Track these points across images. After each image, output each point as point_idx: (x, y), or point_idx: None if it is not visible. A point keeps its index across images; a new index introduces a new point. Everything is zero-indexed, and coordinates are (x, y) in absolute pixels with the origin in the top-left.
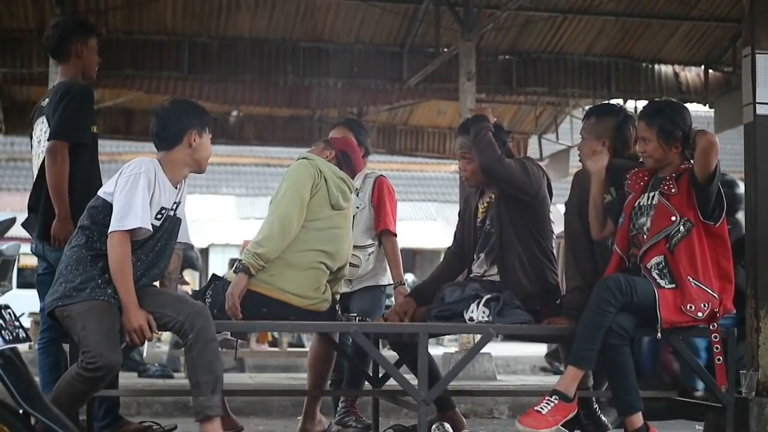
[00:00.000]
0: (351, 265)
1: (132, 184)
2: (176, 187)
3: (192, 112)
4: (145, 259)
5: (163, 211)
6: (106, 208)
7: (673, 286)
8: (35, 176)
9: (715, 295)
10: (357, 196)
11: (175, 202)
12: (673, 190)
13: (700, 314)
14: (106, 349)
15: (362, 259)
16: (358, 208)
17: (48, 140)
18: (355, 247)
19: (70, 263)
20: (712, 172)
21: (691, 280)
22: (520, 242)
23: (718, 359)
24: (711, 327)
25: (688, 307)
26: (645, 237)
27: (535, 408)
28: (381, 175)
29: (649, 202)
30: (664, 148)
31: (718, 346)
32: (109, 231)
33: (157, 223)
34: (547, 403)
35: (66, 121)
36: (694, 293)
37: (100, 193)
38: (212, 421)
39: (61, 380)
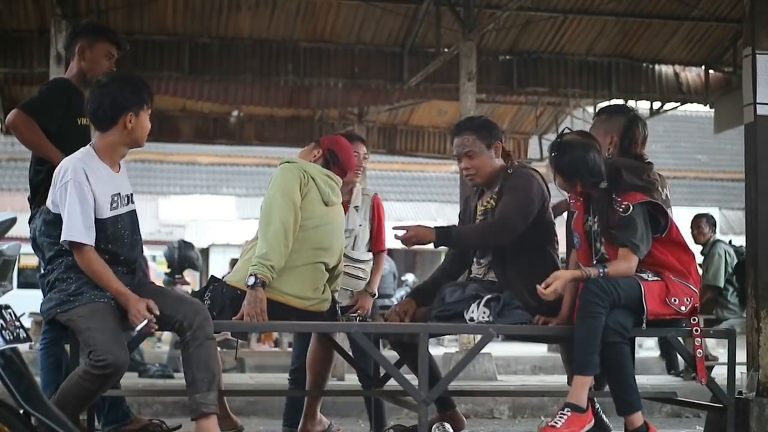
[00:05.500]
0: (358, 278)
1: (64, 197)
2: (118, 171)
3: (129, 89)
4: (123, 263)
5: (116, 198)
6: (58, 219)
7: (658, 278)
8: None
9: (695, 290)
10: (356, 211)
11: (128, 194)
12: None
13: (683, 308)
14: (113, 347)
15: (366, 271)
16: (360, 225)
17: None
18: (359, 261)
19: (60, 272)
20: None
21: (672, 277)
22: (522, 257)
23: (698, 353)
24: (692, 321)
25: (672, 300)
26: (608, 258)
27: (549, 423)
28: (375, 193)
29: (597, 228)
30: (566, 186)
31: (699, 340)
32: (62, 241)
33: (114, 213)
34: (560, 417)
35: (33, 99)
36: (677, 287)
37: (49, 205)
38: (208, 418)
39: (66, 381)
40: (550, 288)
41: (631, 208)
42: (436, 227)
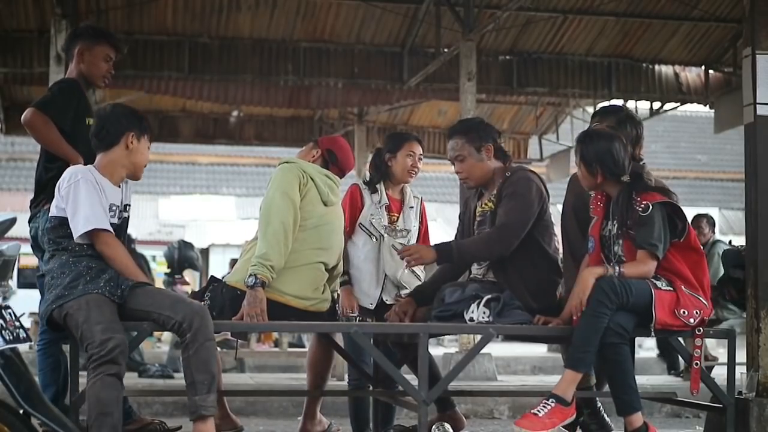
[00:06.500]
0: (418, 277)
1: (75, 193)
2: (118, 186)
3: (131, 116)
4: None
5: (114, 208)
6: (65, 222)
7: (671, 289)
8: None
9: (706, 303)
10: (411, 211)
11: (125, 204)
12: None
13: (692, 320)
14: (110, 333)
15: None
16: (414, 226)
17: None
18: None
19: (55, 271)
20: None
21: (684, 288)
22: (521, 257)
23: (696, 364)
24: (696, 332)
25: (681, 312)
26: (625, 260)
27: (532, 411)
28: (421, 197)
29: (616, 231)
30: (588, 177)
31: (698, 351)
32: (78, 242)
33: (112, 220)
34: (543, 406)
35: (47, 98)
36: (688, 300)
37: (53, 211)
38: (206, 421)
39: (88, 391)
40: (584, 297)
41: (651, 207)
42: (435, 246)
